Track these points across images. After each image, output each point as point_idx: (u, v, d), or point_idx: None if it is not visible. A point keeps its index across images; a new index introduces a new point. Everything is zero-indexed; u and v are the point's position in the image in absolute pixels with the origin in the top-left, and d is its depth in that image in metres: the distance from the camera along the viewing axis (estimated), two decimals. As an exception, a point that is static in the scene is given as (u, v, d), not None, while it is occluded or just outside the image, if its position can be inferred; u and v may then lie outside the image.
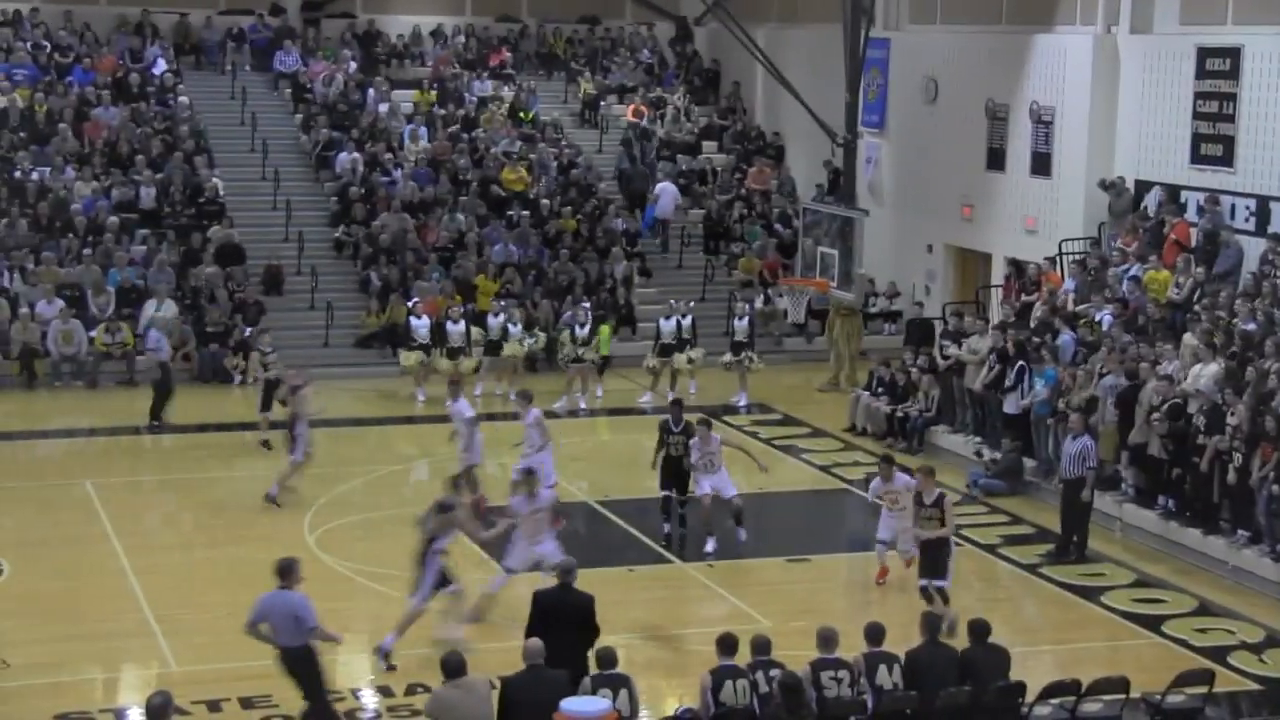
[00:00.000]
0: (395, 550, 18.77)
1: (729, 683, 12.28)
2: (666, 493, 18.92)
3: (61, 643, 15.69)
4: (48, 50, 33.49)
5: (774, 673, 12.39)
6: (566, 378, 26.14)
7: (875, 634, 12.96)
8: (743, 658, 12.54)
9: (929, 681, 12.65)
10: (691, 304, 27.32)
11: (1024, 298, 24.90)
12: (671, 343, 26.37)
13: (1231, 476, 18.27)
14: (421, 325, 26.40)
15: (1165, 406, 19.16)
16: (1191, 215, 24.03)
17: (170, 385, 24.38)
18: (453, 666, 11.69)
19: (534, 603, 13.19)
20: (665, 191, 32.66)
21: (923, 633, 13.03)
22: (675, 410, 19.32)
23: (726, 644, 12.58)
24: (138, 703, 13.48)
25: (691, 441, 18.63)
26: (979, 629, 13.15)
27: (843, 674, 12.57)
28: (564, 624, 12.86)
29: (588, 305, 27.76)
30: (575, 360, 26.11)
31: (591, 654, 12.54)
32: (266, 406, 22.50)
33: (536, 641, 12.07)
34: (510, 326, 26.54)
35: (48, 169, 30.02)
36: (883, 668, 12.68)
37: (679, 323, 26.45)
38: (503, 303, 27.37)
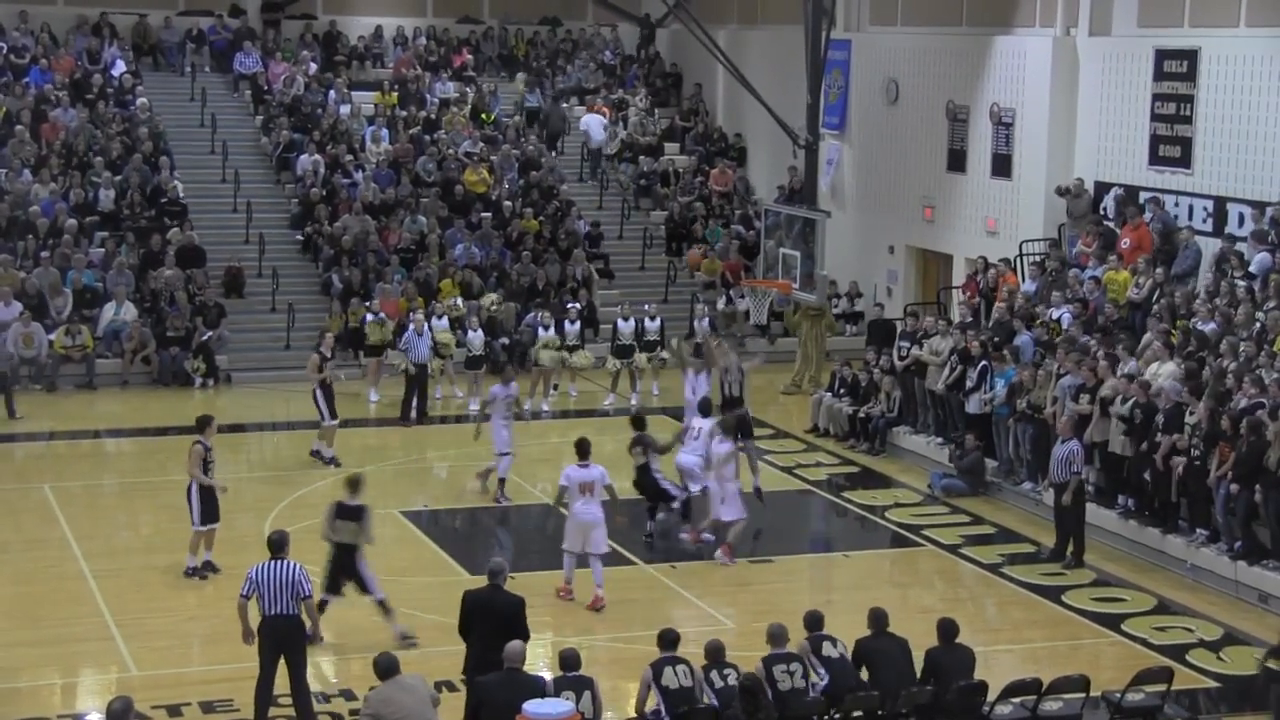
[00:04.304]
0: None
1: (668, 669, 12.69)
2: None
3: (20, 648, 15.61)
4: (4, 51, 33.22)
5: (727, 672, 12.71)
6: (530, 379, 26.12)
7: (813, 621, 13.52)
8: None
9: (879, 665, 13.12)
10: (648, 306, 27.34)
11: (981, 299, 25.02)
12: (629, 343, 26.35)
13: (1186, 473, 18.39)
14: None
15: (1127, 405, 19.26)
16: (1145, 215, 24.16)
17: (424, 384, 25.10)
18: (385, 666, 11.73)
19: (463, 602, 13.22)
20: (590, 122, 33.76)
21: (870, 627, 13.49)
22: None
23: (667, 639, 13.01)
24: (98, 708, 13.42)
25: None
26: (947, 629, 13.28)
27: (795, 666, 12.93)
28: (492, 625, 12.83)
29: (578, 306, 27.79)
30: (539, 362, 26.14)
31: (555, 656, 12.59)
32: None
33: (518, 644, 12.10)
34: (469, 332, 26.48)
35: (5, 171, 29.79)
36: (826, 644, 13.23)
37: (637, 324, 26.45)
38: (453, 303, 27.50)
